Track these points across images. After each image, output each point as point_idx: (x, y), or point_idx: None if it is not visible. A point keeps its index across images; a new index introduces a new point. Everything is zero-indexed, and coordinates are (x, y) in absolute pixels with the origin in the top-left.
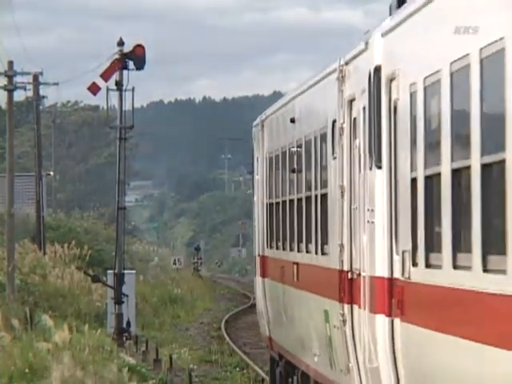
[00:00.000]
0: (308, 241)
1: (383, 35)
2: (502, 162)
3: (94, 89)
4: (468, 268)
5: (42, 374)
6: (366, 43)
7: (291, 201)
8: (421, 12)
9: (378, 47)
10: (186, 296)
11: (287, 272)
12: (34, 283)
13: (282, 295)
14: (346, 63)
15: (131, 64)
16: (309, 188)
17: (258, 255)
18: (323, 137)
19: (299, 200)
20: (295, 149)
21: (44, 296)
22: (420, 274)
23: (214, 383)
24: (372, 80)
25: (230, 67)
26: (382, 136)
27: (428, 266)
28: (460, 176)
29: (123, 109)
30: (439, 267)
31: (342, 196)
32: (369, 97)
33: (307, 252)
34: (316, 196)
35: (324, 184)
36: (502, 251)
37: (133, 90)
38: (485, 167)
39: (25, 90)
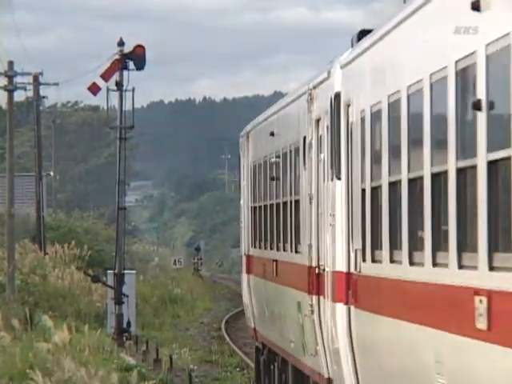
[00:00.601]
0: (285, 241)
1: (341, 67)
2: (421, 179)
3: (94, 89)
4: (399, 262)
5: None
6: (329, 72)
7: (271, 205)
8: (367, 52)
9: (338, 77)
10: (186, 296)
11: (268, 269)
12: (34, 283)
13: (264, 290)
14: (314, 87)
15: (131, 64)
16: (285, 194)
17: (245, 254)
18: (297, 150)
19: (278, 204)
20: (274, 159)
21: (44, 296)
22: (367, 268)
23: (214, 383)
24: (333, 104)
25: (230, 67)
26: (341, 152)
27: (374, 261)
28: (395, 188)
29: (123, 109)
30: (380, 262)
31: (311, 202)
32: (331, 118)
33: (284, 250)
34: (291, 201)
35: (297, 191)
36: (422, 248)
37: (133, 90)
38: (411, 181)
39: (25, 90)
